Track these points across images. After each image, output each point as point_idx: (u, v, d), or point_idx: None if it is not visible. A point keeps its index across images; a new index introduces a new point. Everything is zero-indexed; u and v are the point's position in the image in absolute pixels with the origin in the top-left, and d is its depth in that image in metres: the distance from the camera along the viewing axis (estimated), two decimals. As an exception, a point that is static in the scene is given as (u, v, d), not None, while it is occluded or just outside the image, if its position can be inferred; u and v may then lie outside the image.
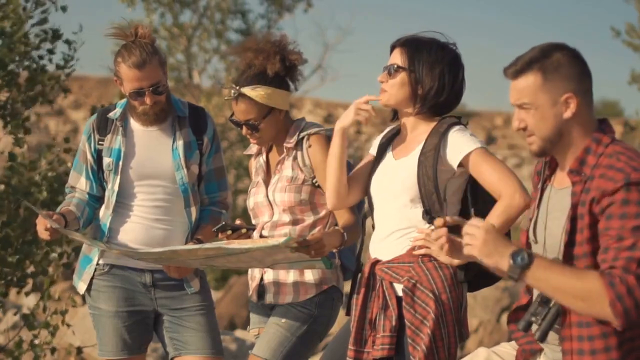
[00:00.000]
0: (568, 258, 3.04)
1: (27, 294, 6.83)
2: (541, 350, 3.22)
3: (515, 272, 2.93)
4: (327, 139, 4.11)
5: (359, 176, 3.94)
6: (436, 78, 3.73)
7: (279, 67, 4.08)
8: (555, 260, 3.01)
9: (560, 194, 3.14)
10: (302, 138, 4.15)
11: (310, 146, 4.12)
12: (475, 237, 2.99)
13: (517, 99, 3.09)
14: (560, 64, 3.05)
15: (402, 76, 3.76)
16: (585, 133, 3.09)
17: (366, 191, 3.93)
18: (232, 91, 4.10)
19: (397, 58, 3.78)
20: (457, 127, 3.73)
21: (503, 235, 3.04)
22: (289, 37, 4.15)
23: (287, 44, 4.13)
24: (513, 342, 3.37)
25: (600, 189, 2.97)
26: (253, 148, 4.34)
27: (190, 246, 4.06)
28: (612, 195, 2.93)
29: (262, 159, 4.29)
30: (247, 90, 4.07)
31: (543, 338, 3.06)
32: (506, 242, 2.98)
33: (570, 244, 3.04)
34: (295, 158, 4.15)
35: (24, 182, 6.71)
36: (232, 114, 4.17)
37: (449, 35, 3.83)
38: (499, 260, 2.96)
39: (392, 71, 3.77)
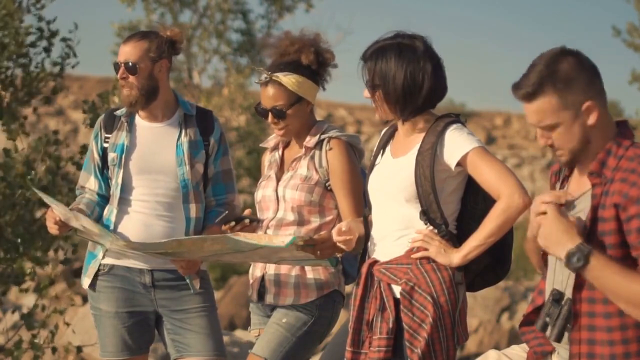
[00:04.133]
0: None
1: (25, 290, 6.83)
2: (552, 351, 3.22)
3: (573, 270, 2.95)
4: (348, 145, 4.14)
5: None
6: (400, 86, 3.66)
7: (313, 59, 4.12)
8: (611, 259, 2.97)
9: (580, 198, 3.13)
10: (323, 140, 4.15)
11: (330, 149, 4.12)
12: (543, 227, 3.00)
13: (538, 120, 3.05)
14: (571, 77, 3.01)
15: (378, 92, 3.72)
16: (606, 134, 3.07)
17: None
18: (264, 76, 4.12)
19: (367, 75, 3.73)
20: (454, 126, 3.70)
21: (566, 223, 2.99)
22: (323, 36, 4.19)
23: (321, 41, 4.17)
24: (524, 345, 3.35)
25: (624, 193, 2.95)
26: (271, 142, 4.34)
27: (197, 237, 4.06)
28: (638, 204, 2.93)
29: (278, 154, 4.29)
30: (278, 76, 4.10)
31: (559, 338, 3.04)
32: (568, 234, 2.97)
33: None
34: (312, 158, 4.14)
35: (18, 178, 6.71)
36: (259, 103, 4.18)
37: (414, 29, 3.73)
38: (559, 254, 2.97)
39: (372, 88, 3.76)
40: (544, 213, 3.03)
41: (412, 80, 3.66)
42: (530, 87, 3.02)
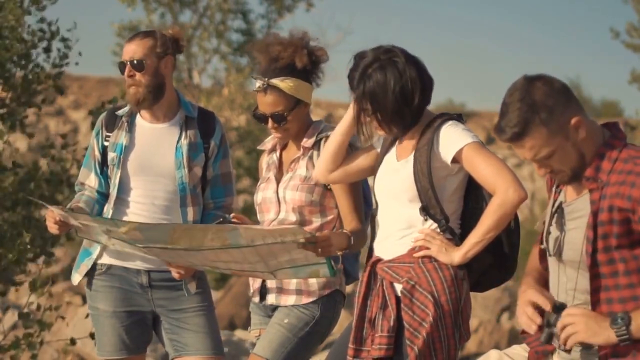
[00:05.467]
0: (593, 265, 3.05)
1: (20, 283, 6.83)
2: (553, 351, 3.22)
3: (624, 334, 2.93)
4: None
5: (351, 160, 3.96)
6: (394, 104, 3.67)
7: (306, 61, 4.09)
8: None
9: (577, 202, 3.14)
10: (320, 139, 4.14)
11: None
12: (577, 323, 2.99)
13: (534, 154, 3.07)
14: (549, 103, 3.03)
15: (376, 116, 3.72)
16: (595, 140, 3.10)
17: (351, 177, 3.98)
18: (261, 83, 4.09)
19: (360, 104, 3.73)
20: (450, 122, 3.72)
21: (597, 313, 3.03)
22: (311, 34, 4.15)
23: (309, 39, 4.13)
24: (525, 345, 3.37)
25: (627, 196, 2.97)
26: (267, 144, 4.33)
27: (200, 225, 4.03)
28: None
29: (276, 155, 4.28)
30: (276, 82, 4.07)
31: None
32: (603, 317, 3.00)
33: (593, 251, 3.04)
34: (311, 158, 4.14)
35: (16, 182, 6.73)
36: (256, 108, 4.16)
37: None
38: (606, 334, 2.96)
39: (368, 115, 3.75)
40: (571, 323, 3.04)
41: (402, 95, 3.68)
42: (517, 127, 3.04)
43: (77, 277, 4.40)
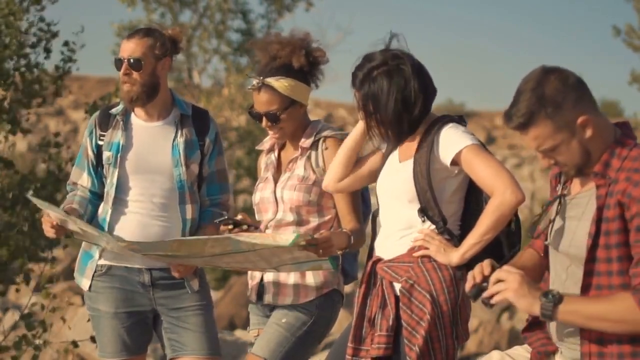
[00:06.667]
0: (590, 261, 3.05)
1: (19, 282, 6.84)
2: (555, 351, 3.22)
3: (549, 308, 2.97)
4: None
5: (359, 166, 3.97)
6: (393, 113, 3.69)
7: (304, 62, 4.09)
8: (580, 296, 3.04)
9: (581, 196, 3.14)
10: (319, 140, 4.14)
11: (326, 148, 4.13)
12: (510, 280, 3.03)
13: (538, 145, 3.09)
14: (559, 98, 3.03)
15: (374, 117, 3.73)
16: (605, 139, 3.09)
17: (361, 182, 3.98)
18: (256, 81, 4.10)
19: (361, 102, 3.74)
20: (450, 125, 3.72)
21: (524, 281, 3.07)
22: (313, 35, 4.15)
23: (311, 40, 4.14)
24: (526, 345, 3.37)
25: (627, 193, 2.97)
26: (266, 144, 4.34)
27: (199, 237, 4.05)
28: (639, 203, 2.95)
29: (274, 155, 4.29)
30: (270, 81, 4.08)
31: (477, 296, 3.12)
32: (537, 287, 3.05)
33: (593, 247, 3.05)
34: (309, 158, 4.14)
35: (17, 180, 6.74)
36: (252, 106, 4.17)
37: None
38: (532, 301, 3.00)
39: (367, 115, 3.75)
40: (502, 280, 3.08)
41: (403, 104, 3.69)
42: (522, 118, 3.05)
43: (85, 282, 4.37)
